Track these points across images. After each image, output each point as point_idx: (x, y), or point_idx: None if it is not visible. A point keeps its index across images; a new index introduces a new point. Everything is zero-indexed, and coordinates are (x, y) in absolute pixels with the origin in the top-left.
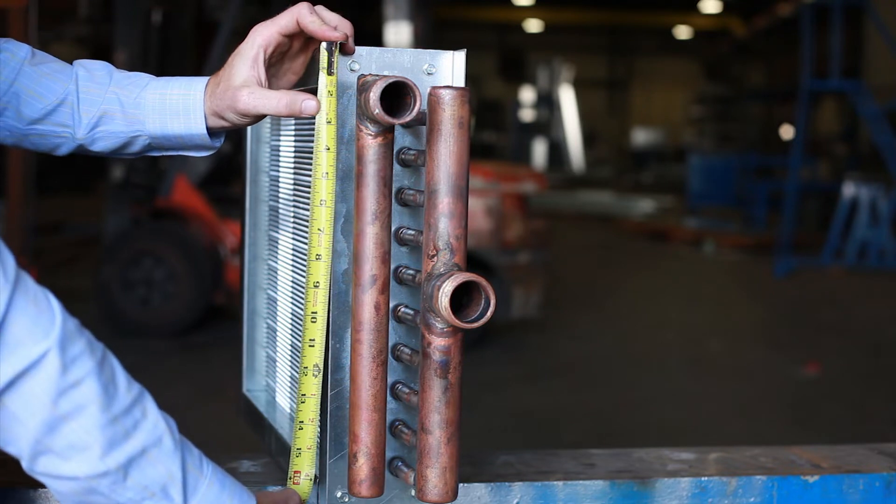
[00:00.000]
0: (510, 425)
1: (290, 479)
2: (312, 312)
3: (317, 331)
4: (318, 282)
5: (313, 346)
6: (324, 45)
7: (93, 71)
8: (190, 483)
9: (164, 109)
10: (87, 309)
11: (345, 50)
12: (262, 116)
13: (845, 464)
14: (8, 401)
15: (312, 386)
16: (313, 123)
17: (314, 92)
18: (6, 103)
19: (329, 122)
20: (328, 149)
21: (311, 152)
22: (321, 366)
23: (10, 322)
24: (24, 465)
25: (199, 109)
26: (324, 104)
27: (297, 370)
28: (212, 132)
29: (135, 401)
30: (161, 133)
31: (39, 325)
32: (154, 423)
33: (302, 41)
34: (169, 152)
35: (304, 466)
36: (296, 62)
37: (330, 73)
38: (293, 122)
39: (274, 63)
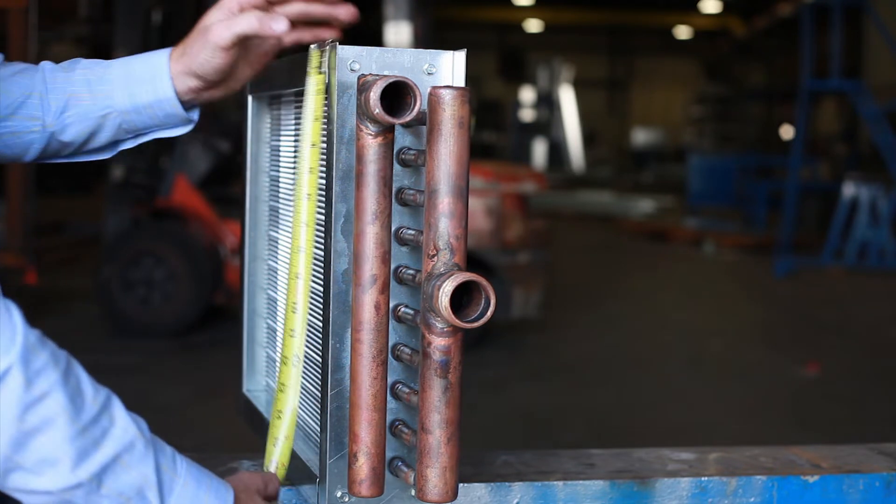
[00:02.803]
0: (510, 425)
1: (265, 467)
2: (293, 303)
3: (297, 321)
4: (299, 273)
5: (293, 336)
6: (313, 46)
7: (59, 64)
8: (165, 484)
9: (129, 79)
10: (87, 309)
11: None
12: (233, 48)
13: (845, 464)
14: None
15: (291, 376)
16: None
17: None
18: None
19: (315, 119)
20: (313, 145)
21: None
22: (301, 356)
23: None
24: None
25: (165, 72)
26: (310, 102)
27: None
28: (184, 102)
29: (102, 407)
30: (131, 105)
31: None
32: (124, 428)
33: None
34: (144, 135)
35: (281, 457)
36: (259, 56)
37: (320, 72)
38: (293, 121)
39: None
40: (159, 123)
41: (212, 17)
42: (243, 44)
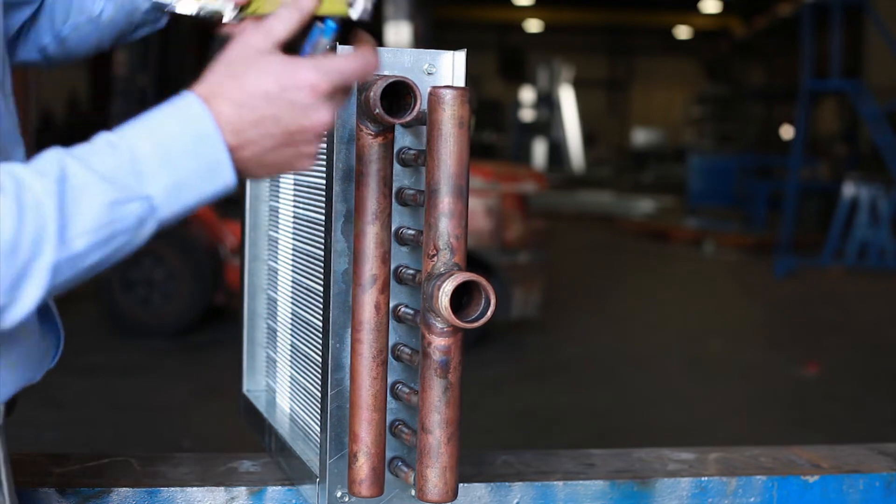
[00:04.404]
0: (510, 425)
1: None
2: None
3: None
4: None
5: None
6: None
7: None
8: (126, 180)
9: None
10: (87, 309)
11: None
12: None
13: (845, 464)
14: None
15: None
16: None
17: None
18: (43, 14)
19: None
20: None
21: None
22: None
23: None
24: None
25: None
26: None
27: (297, 370)
28: None
29: (17, 194)
30: None
31: None
32: (45, 191)
33: None
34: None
35: None
36: None
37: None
38: None
39: None
40: None
41: None
42: None
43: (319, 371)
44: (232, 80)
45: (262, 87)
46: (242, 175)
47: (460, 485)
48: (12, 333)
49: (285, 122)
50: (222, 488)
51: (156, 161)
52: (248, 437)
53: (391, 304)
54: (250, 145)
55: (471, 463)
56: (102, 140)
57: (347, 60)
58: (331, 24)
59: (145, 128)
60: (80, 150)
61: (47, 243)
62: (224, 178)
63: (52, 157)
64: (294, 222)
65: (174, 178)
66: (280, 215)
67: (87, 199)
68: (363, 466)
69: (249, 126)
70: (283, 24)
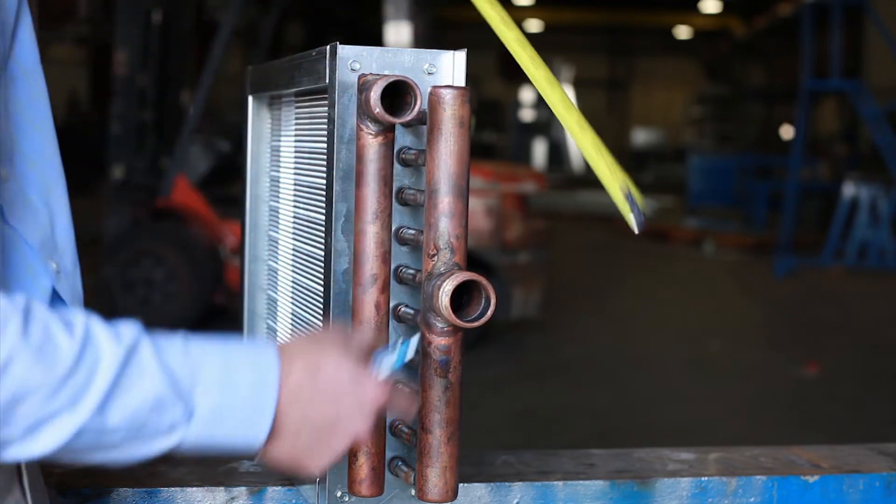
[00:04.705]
0: (510, 425)
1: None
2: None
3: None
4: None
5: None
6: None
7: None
8: (184, 381)
9: None
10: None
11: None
12: None
13: (845, 464)
14: None
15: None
16: (313, 124)
17: None
18: None
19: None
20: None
21: (311, 153)
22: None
23: None
24: None
25: None
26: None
27: None
28: None
29: (83, 345)
30: None
31: None
32: (112, 354)
33: None
34: None
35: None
36: None
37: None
38: (293, 122)
39: None
40: None
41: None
42: None
43: None
44: (313, 356)
45: (335, 378)
46: (272, 439)
47: (460, 485)
48: None
49: (335, 415)
50: (222, 488)
51: (215, 381)
52: None
53: (391, 304)
54: (295, 413)
55: (471, 463)
56: (180, 340)
57: (405, 399)
58: (405, 350)
59: (220, 348)
60: (158, 336)
61: (86, 403)
62: (259, 428)
63: (132, 329)
64: (294, 222)
65: (221, 402)
66: (280, 215)
67: (143, 382)
68: (363, 466)
69: (305, 400)
70: (372, 342)
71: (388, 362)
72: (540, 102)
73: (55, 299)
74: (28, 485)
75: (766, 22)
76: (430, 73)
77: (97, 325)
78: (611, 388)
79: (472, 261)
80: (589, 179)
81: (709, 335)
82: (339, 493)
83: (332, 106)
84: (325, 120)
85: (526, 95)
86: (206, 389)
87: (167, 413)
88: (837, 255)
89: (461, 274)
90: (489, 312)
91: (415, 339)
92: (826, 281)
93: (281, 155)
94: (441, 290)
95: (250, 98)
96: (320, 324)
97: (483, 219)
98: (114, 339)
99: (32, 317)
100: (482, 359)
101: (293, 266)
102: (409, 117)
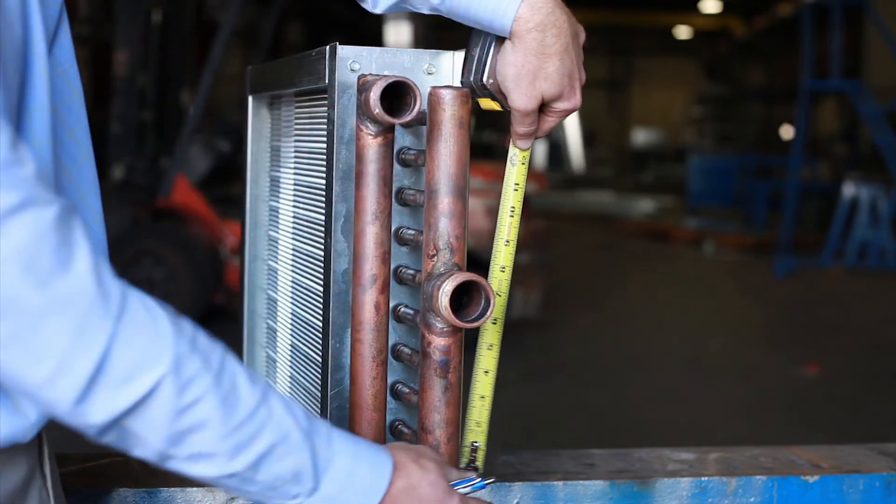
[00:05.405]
0: (510, 425)
1: (467, 448)
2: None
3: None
4: (504, 266)
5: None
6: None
7: None
8: (320, 465)
9: None
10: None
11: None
12: None
13: (845, 464)
14: (127, 423)
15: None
16: (313, 125)
17: None
18: None
19: (516, 188)
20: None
21: (311, 153)
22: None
23: (117, 357)
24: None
25: None
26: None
27: (297, 370)
28: None
29: (259, 403)
30: None
31: (151, 354)
32: (280, 420)
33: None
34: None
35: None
36: None
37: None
38: (293, 122)
39: None
40: None
41: None
42: None
43: (319, 371)
44: (417, 472)
45: (429, 496)
46: None
47: None
48: None
49: None
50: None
51: (342, 472)
52: None
53: (391, 304)
54: None
55: None
56: (326, 424)
57: None
58: (482, 483)
59: (352, 442)
60: (314, 418)
61: (244, 457)
62: None
63: (299, 407)
64: (294, 222)
65: (339, 490)
66: (280, 215)
67: (293, 456)
68: None
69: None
70: (458, 473)
71: (472, 485)
72: None
73: None
74: (51, 483)
75: (766, 22)
76: (429, 74)
77: (274, 392)
78: (611, 388)
79: (472, 261)
80: (589, 179)
81: (709, 335)
82: None
83: (331, 106)
84: (325, 120)
85: None
86: (333, 478)
87: (299, 486)
88: (837, 255)
89: (461, 274)
90: (489, 313)
91: (488, 482)
92: (826, 281)
93: (281, 155)
94: (441, 290)
95: (250, 98)
96: (320, 324)
97: (483, 219)
98: (288, 411)
99: (226, 367)
100: None
101: (293, 266)
102: (408, 118)
